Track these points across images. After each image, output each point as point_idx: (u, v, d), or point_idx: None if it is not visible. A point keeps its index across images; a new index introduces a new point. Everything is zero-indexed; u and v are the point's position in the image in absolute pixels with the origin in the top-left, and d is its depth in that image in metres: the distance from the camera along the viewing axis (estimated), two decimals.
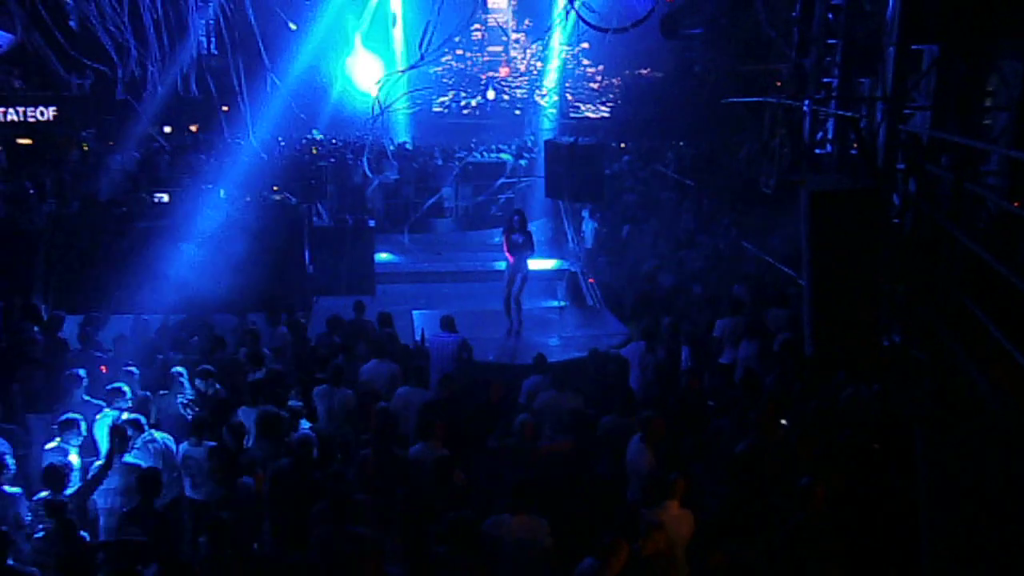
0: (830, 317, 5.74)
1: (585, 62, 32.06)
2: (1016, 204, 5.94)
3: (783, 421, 6.81)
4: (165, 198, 14.47)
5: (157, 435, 6.68)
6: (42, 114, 17.75)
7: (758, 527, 5.35)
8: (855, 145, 9.28)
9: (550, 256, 16.43)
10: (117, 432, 6.17)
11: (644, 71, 25.30)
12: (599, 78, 32.95)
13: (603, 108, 30.77)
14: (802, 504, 5.47)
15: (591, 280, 14.13)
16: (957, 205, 5.94)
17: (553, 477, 6.36)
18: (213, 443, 6.60)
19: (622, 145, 22.34)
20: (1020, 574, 3.29)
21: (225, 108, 19.55)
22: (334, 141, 22.95)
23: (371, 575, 5.18)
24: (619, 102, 27.81)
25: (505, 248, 10.75)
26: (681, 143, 20.35)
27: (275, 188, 16.47)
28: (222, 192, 15.50)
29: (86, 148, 18.68)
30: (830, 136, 9.87)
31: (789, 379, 7.66)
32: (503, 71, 26.69)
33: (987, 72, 7.76)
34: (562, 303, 13.49)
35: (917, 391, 5.76)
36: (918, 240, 6.11)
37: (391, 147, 19.95)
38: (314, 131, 23.74)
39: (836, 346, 5.85)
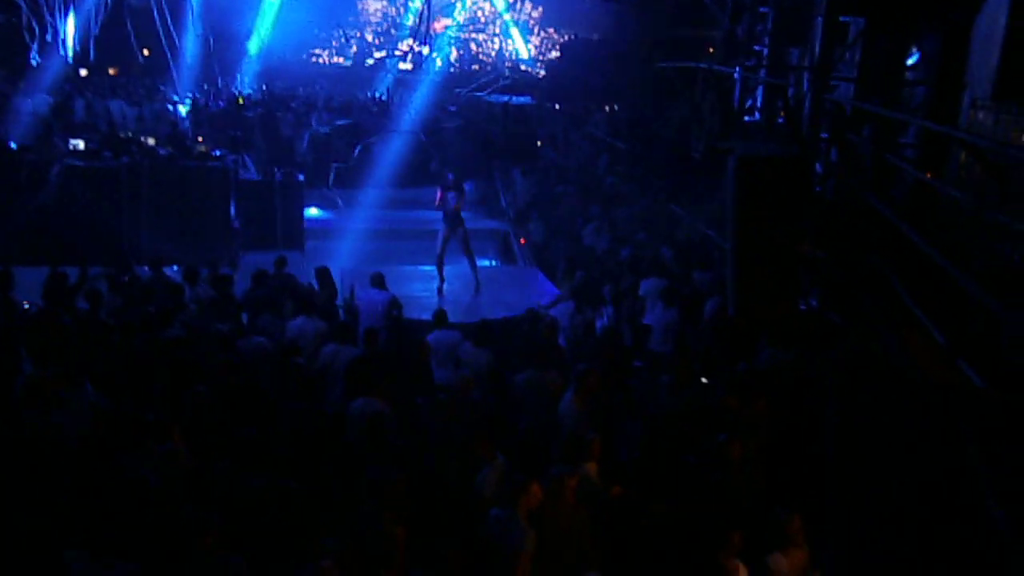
0: (751, 281, 5.89)
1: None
2: (928, 175, 6.17)
3: (704, 380, 7.01)
4: (80, 144, 13.82)
5: None
6: None
7: (672, 484, 5.51)
8: (782, 113, 9.49)
9: (481, 216, 16.39)
10: None
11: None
12: (536, 38, 32.74)
13: (539, 68, 30.61)
14: (718, 462, 5.66)
15: (522, 240, 14.16)
16: (876, 174, 6.14)
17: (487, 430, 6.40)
18: None
19: (556, 106, 22.29)
20: (916, 531, 3.49)
21: (146, 51, 18.72)
22: (264, 88, 22.28)
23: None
24: (555, 63, 27.69)
25: (439, 206, 10.72)
26: (615, 106, 20.42)
27: (199, 139, 15.93)
28: (144, 140, 14.93)
29: None
30: (759, 104, 10.04)
31: (711, 341, 7.86)
32: (437, 26, 26.28)
33: (909, 47, 8.00)
34: (492, 263, 13.51)
35: (832, 354, 5.99)
36: (838, 207, 6.30)
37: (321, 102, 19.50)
38: (242, 82, 23.01)
39: (757, 309, 6.01)
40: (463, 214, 10.86)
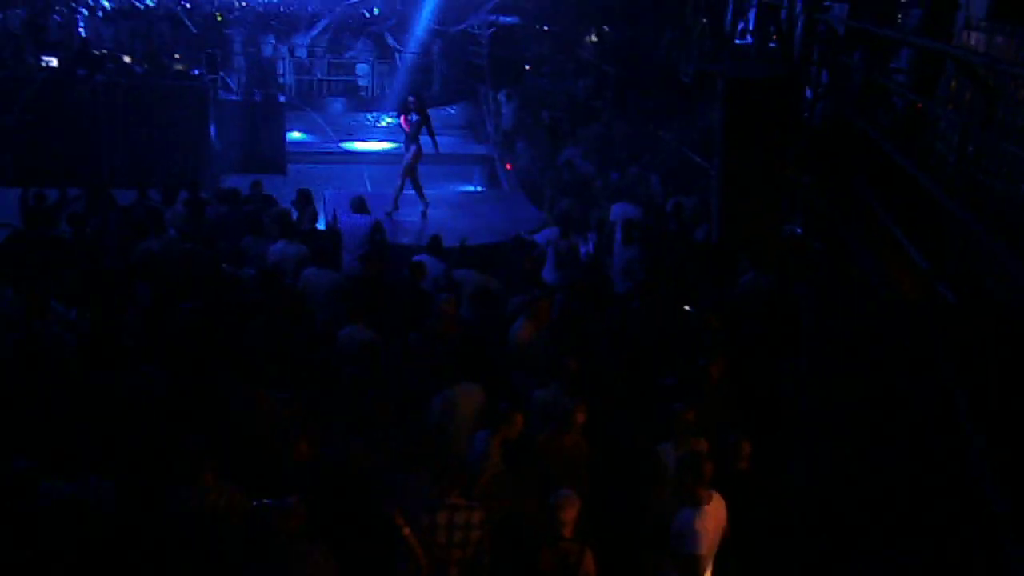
0: (736, 206, 5.86)
1: None
2: (919, 106, 6.07)
3: (686, 307, 7.02)
4: (54, 62, 13.41)
5: None
6: None
7: (652, 406, 5.55)
8: (774, 37, 9.29)
9: (468, 141, 16.17)
10: None
11: None
12: None
13: None
14: (697, 384, 5.70)
15: (507, 166, 14.01)
16: (865, 99, 6.05)
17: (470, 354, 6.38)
18: None
19: (545, 28, 21.72)
20: (888, 448, 3.55)
21: None
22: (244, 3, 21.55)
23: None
24: None
25: (404, 127, 10.60)
26: (605, 27, 19.92)
27: (176, 56, 15.49)
28: (125, 58, 14.51)
29: None
30: (751, 27, 9.84)
31: (688, 267, 7.83)
32: None
33: None
34: (477, 187, 13.39)
35: (811, 277, 6.00)
36: (825, 132, 6.22)
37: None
38: None
39: (740, 234, 6.00)
40: (443, 138, 10.71)
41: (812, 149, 6.25)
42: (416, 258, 7.98)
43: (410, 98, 10.76)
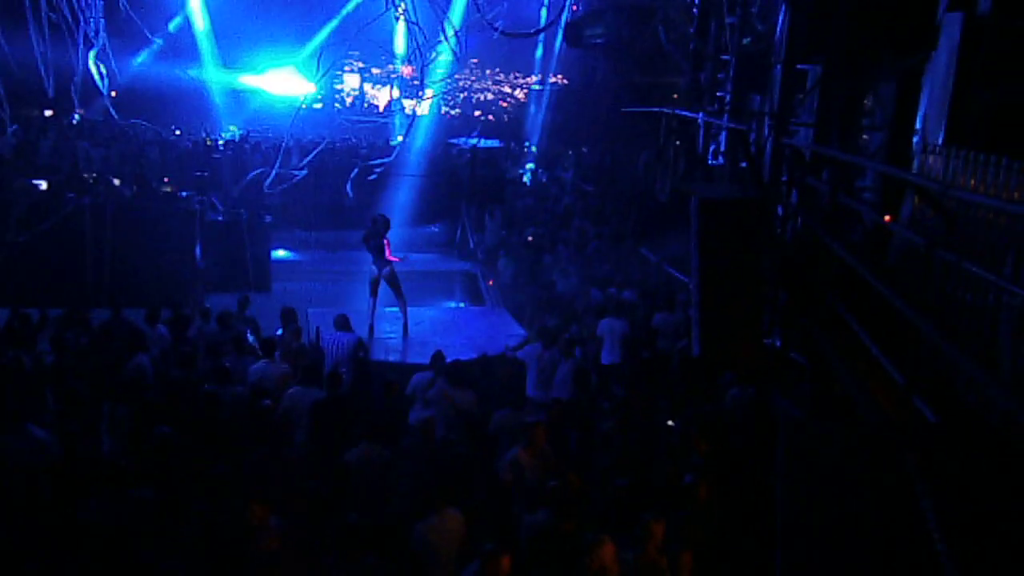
0: (716, 319, 5.96)
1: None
2: (887, 219, 6.31)
3: (670, 423, 7.03)
4: (43, 185, 13.66)
5: None
6: None
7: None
8: (744, 157, 9.69)
9: (451, 258, 16.42)
10: None
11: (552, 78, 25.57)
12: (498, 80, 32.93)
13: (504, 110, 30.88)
14: (686, 501, 5.66)
15: (490, 282, 14.20)
16: (834, 217, 6.27)
17: (451, 475, 6.33)
18: None
19: (526, 147, 22.54)
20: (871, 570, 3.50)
21: (114, 93, 18.63)
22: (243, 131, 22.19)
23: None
24: (523, 105, 28.01)
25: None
26: (584, 149, 20.71)
27: (165, 180, 15.84)
28: (109, 180, 14.80)
29: None
30: (722, 148, 10.24)
31: (674, 382, 7.91)
32: (405, 71, 26.46)
33: (865, 93, 8.25)
34: (460, 304, 13.51)
35: (796, 393, 6.05)
36: (798, 249, 6.41)
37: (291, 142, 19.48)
38: (231, 128, 22.91)
39: (721, 348, 6.07)
40: (395, 255, 10.71)
41: (786, 265, 6.42)
42: (417, 375, 8.01)
43: (377, 218, 10.70)
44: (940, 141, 5.90)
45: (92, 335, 9.01)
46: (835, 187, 5.99)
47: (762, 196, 6.38)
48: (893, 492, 3.23)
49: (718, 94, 10.39)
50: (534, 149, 22.36)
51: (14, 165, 15.46)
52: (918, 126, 6.48)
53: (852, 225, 6.75)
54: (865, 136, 8.66)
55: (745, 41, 9.59)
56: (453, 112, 28.64)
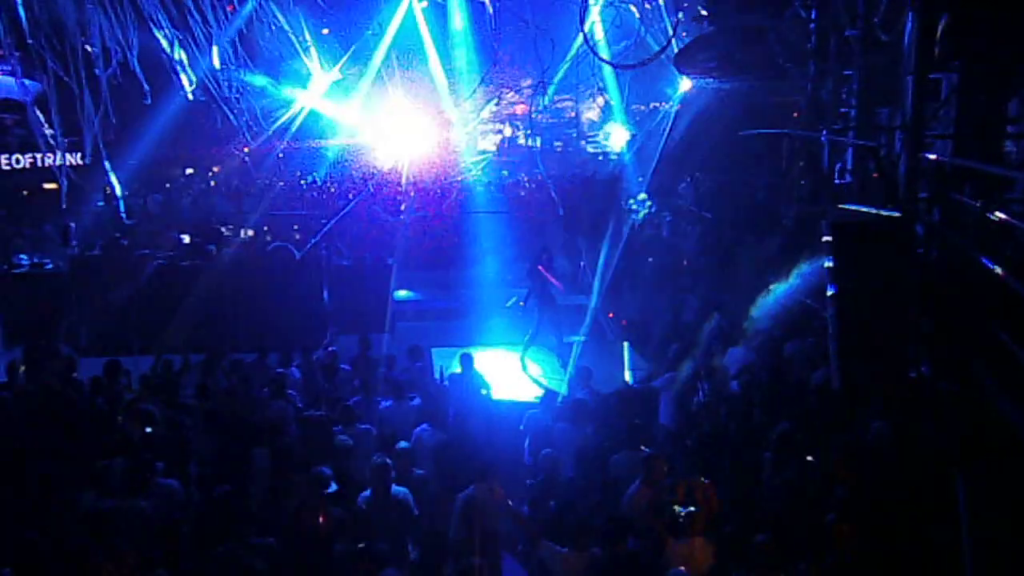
0: (856, 350, 5.61)
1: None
2: None
3: (809, 458, 6.65)
4: (186, 239, 14.59)
5: None
6: (70, 160, 17.98)
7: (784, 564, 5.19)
8: (875, 175, 9.19)
9: (571, 291, 16.34)
10: None
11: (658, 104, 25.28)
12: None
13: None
14: (830, 543, 5.30)
15: (610, 315, 14.03)
16: (984, 233, 5.82)
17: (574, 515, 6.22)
18: None
19: (639, 178, 22.28)
20: None
21: (247, 149, 19.80)
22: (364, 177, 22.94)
23: None
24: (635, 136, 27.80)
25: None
26: (698, 174, 20.27)
27: (295, 227, 16.57)
28: (243, 233, 15.65)
29: (108, 191, 18.92)
30: (849, 166, 9.79)
31: (811, 415, 7.51)
32: (519, 109, 26.80)
33: (1007, 99, 7.67)
34: (582, 337, 13.38)
35: (950, 426, 5.59)
36: (945, 270, 5.98)
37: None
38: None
39: (863, 379, 5.71)
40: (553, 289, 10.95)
41: (932, 288, 5.99)
42: (529, 414, 7.98)
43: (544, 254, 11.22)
44: None
45: (239, 378, 9.43)
46: (988, 202, 5.55)
47: (902, 215, 5.99)
48: None
49: (841, 111, 9.95)
50: (639, 180, 22.09)
51: (163, 220, 16.63)
52: None
53: (1005, 240, 6.24)
54: (1010, 145, 8.06)
55: (869, 54, 9.17)
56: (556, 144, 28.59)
